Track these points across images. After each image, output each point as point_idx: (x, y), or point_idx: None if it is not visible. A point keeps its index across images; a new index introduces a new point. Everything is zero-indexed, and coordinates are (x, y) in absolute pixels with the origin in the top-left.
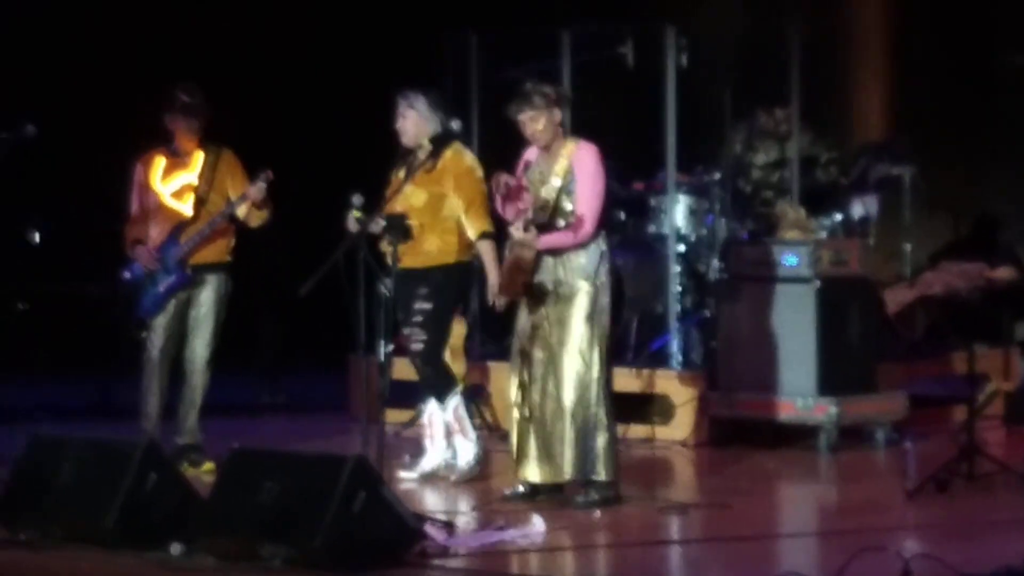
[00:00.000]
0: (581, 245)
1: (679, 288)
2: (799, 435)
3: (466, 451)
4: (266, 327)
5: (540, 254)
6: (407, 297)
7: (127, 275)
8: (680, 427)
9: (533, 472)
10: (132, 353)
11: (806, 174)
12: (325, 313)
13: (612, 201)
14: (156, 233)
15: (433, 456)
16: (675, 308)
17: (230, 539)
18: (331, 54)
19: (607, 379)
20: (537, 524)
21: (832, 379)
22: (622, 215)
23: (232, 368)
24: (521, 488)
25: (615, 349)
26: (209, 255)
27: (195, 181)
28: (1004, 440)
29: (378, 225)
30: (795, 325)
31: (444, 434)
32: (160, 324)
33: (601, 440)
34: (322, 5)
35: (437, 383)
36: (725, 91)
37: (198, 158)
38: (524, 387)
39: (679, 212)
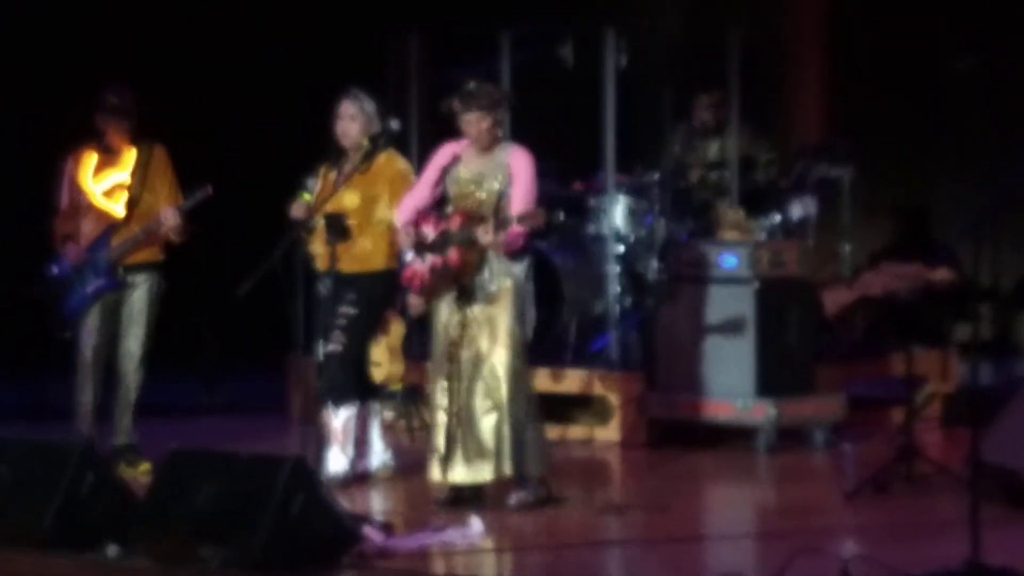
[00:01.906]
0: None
1: (618, 289)
2: (737, 436)
3: (338, 464)
4: (204, 327)
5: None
6: (333, 299)
7: (55, 270)
8: (618, 428)
9: (460, 474)
10: (66, 353)
11: (745, 175)
12: (264, 313)
13: (546, 203)
14: (87, 230)
15: (373, 457)
16: (614, 309)
17: (167, 540)
18: (271, 54)
19: (530, 375)
20: (475, 525)
21: (770, 380)
22: (561, 215)
23: (170, 369)
24: (447, 491)
25: (553, 349)
26: (141, 255)
27: (127, 180)
28: (942, 441)
29: (313, 225)
30: (734, 326)
31: (381, 434)
32: (92, 324)
33: (532, 437)
34: (262, 5)
35: (343, 389)
36: (665, 92)
37: (130, 156)
38: (452, 388)
39: (618, 212)
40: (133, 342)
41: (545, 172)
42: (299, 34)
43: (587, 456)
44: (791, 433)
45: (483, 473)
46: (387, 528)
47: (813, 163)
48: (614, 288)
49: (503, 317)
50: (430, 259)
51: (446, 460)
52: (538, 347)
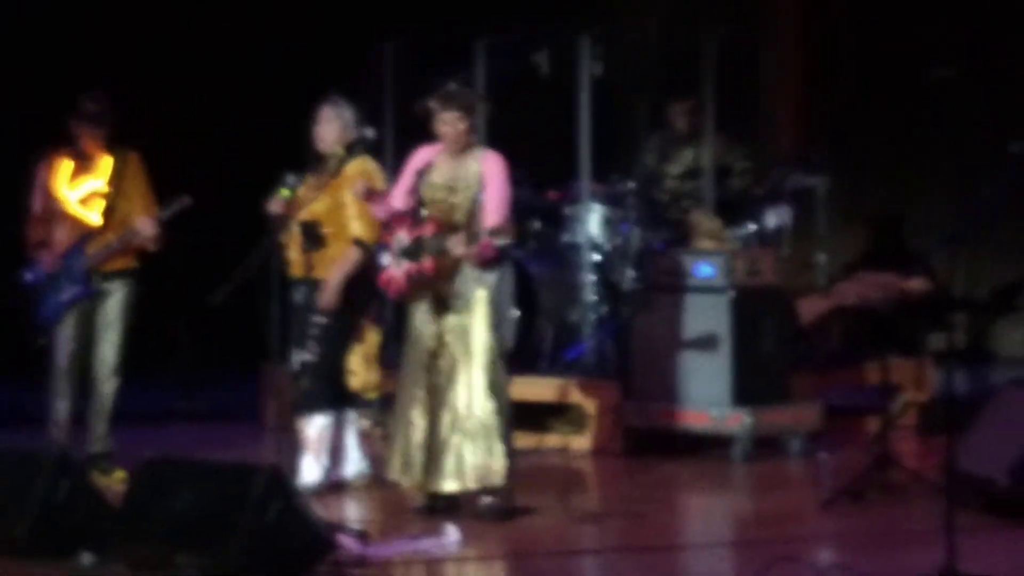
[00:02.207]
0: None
1: (594, 297)
2: (713, 445)
3: (312, 474)
4: (180, 335)
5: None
6: (307, 307)
7: (29, 276)
8: (594, 437)
9: (439, 484)
10: (40, 360)
11: (720, 184)
12: (239, 321)
13: (520, 211)
14: (61, 237)
15: (349, 466)
16: (590, 317)
17: (143, 548)
18: (247, 62)
19: (504, 387)
20: (451, 533)
21: (746, 389)
22: (537, 224)
23: (145, 376)
24: (422, 500)
25: (529, 358)
26: (116, 263)
27: (103, 187)
28: (918, 450)
29: (289, 232)
30: (709, 335)
31: (357, 443)
32: (67, 331)
33: (503, 448)
34: (239, 14)
35: (317, 398)
36: (640, 100)
37: (106, 163)
38: (429, 399)
39: (594, 221)
40: (108, 349)
41: (520, 180)
42: (275, 42)
43: (562, 464)
44: (767, 442)
45: (459, 483)
46: (363, 536)
47: (788, 172)
48: (589, 297)
49: (477, 328)
50: (405, 265)
51: (426, 470)
52: (514, 355)
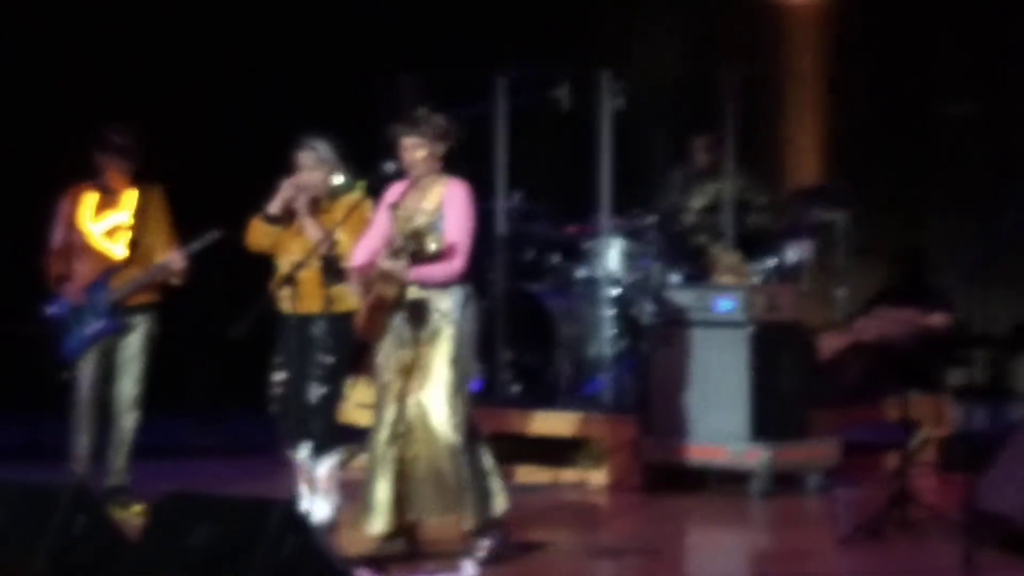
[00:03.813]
0: (445, 286)
1: (613, 332)
2: (731, 481)
3: (322, 512)
4: (198, 368)
5: (403, 295)
6: (302, 344)
7: (52, 310)
8: (612, 472)
9: (412, 516)
10: (61, 393)
11: (740, 218)
12: (257, 354)
13: (539, 245)
14: (83, 271)
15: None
16: (608, 352)
17: None
18: (263, 94)
19: (468, 422)
20: (468, 569)
21: (765, 425)
22: (556, 258)
23: (163, 410)
24: (392, 537)
25: (547, 392)
26: (139, 297)
27: (128, 221)
28: (937, 487)
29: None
30: (728, 370)
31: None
32: (90, 365)
33: (484, 482)
34: (254, 44)
35: (328, 438)
36: (660, 134)
37: (130, 197)
38: (400, 430)
39: (613, 255)
40: (129, 383)
41: (540, 214)
42: (292, 74)
43: (580, 499)
44: (785, 478)
45: (432, 512)
46: (381, 572)
47: (808, 206)
48: (608, 331)
49: (438, 363)
50: (367, 300)
51: (400, 502)
52: (532, 389)
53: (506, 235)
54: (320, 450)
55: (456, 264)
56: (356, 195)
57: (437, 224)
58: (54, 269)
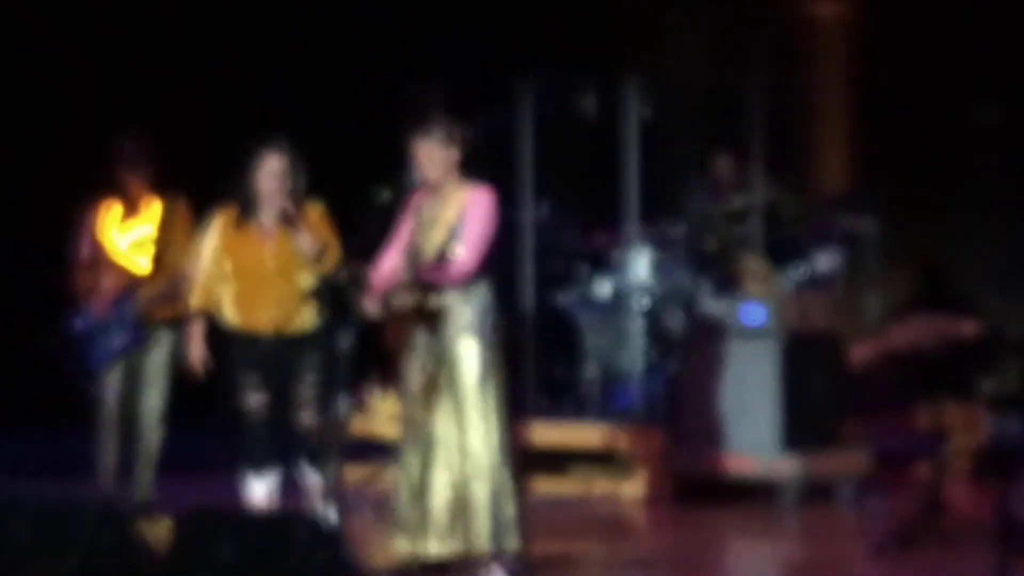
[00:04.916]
0: (464, 290)
1: (642, 342)
2: (763, 491)
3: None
4: (220, 382)
5: (424, 304)
6: (290, 364)
7: (79, 324)
8: (643, 483)
9: (435, 545)
10: (85, 407)
11: (768, 227)
12: None
13: (567, 255)
14: (109, 284)
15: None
16: (638, 362)
17: None
18: (290, 104)
19: (509, 441)
20: (497, 572)
21: (796, 434)
22: (584, 268)
23: (187, 424)
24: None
25: (577, 404)
26: (165, 310)
27: (152, 233)
28: (970, 496)
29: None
30: (759, 380)
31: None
32: (115, 378)
33: (510, 508)
34: (279, 55)
35: (323, 455)
36: (686, 142)
37: (154, 208)
38: (421, 455)
39: (642, 265)
40: (155, 397)
41: (567, 223)
42: (317, 84)
43: (611, 511)
44: (817, 487)
45: (456, 546)
46: None
47: (837, 215)
48: (638, 342)
49: (466, 380)
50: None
51: (421, 529)
52: (562, 401)
53: (533, 246)
54: (318, 468)
55: (461, 269)
56: (316, 206)
57: (458, 233)
58: (81, 283)
